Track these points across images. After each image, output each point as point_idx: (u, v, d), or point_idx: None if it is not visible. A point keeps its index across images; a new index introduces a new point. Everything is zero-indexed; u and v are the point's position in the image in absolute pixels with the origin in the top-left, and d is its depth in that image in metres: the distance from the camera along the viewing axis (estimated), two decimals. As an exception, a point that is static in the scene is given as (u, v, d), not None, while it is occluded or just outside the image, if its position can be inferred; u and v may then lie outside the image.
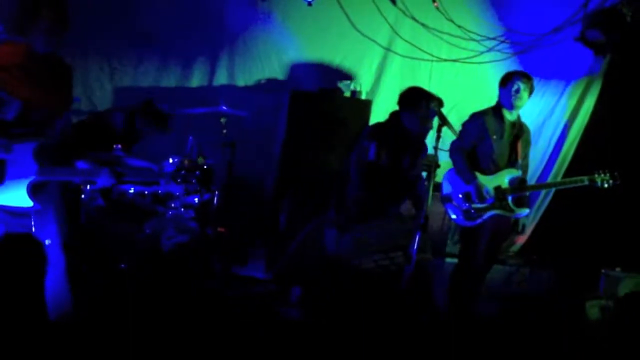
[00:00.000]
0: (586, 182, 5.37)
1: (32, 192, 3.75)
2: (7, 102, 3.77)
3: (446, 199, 5.41)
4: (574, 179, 5.64)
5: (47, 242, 3.82)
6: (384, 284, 4.78)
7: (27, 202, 3.75)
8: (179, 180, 4.08)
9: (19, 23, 3.80)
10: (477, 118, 5.40)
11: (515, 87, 5.30)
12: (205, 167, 5.47)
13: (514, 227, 5.57)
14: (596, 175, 5.32)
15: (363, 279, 4.82)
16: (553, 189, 7.15)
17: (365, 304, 4.63)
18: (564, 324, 5.33)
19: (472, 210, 5.31)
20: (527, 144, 5.58)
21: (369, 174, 5.06)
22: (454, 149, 5.39)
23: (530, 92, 5.38)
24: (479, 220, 5.32)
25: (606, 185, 5.31)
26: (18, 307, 2.59)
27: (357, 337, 4.17)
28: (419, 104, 5.01)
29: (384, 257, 4.91)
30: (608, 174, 5.30)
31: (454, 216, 5.40)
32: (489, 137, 5.35)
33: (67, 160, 4.02)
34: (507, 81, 5.37)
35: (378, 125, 5.33)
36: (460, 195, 5.34)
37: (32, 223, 3.82)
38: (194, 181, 4.30)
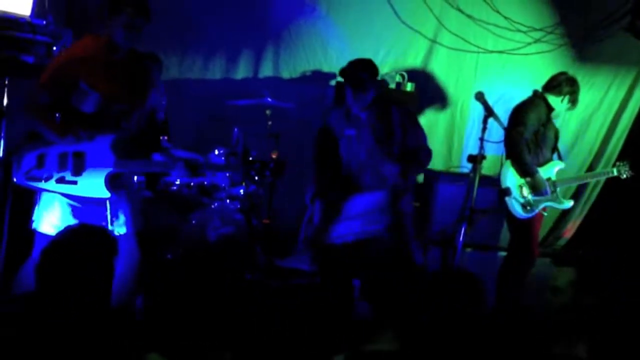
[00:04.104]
0: (615, 174, 5.52)
1: (110, 183, 3.83)
2: (87, 94, 3.83)
3: (505, 192, 5.28)
4: (602, 170, 5.77)
5: (121, 231, 3.91)
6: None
7: (104, 193, 3.83)
8: (252, 173, 4.10)
9: (102, 17, 3.85)
10: (536, 107, 5.28)
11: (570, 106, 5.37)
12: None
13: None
14: (619, 166, 5.51)
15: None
16: (602, 182, 7.09)
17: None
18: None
19: (530, 203, 5.25)
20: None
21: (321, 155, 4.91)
22: (518, 141, 5.18)
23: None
24: (535, 211, 5.28)
25: (624, 176, 5.46)
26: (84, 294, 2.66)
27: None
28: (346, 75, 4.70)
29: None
30: (627, 164, 5.46)
31: (514, 208, 5.31)
32: (544, 127, 5.29)
33: (143, 152, 4.12)
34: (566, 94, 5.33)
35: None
36: (518, 187, 5.25)
37: (108, 213, 3.91)
38: (267, 174, 4.25)
